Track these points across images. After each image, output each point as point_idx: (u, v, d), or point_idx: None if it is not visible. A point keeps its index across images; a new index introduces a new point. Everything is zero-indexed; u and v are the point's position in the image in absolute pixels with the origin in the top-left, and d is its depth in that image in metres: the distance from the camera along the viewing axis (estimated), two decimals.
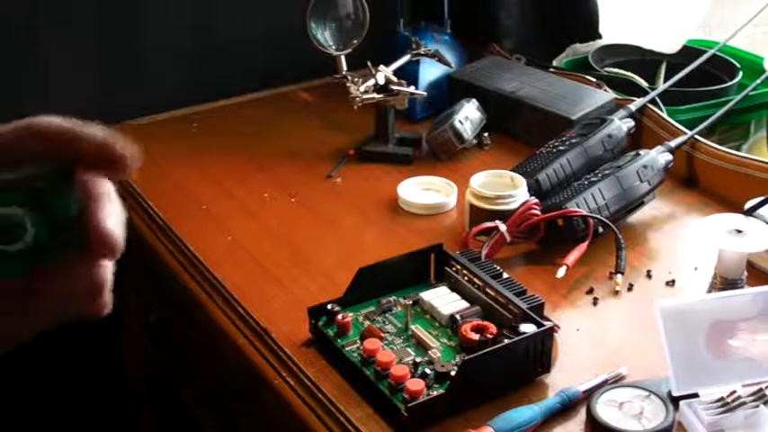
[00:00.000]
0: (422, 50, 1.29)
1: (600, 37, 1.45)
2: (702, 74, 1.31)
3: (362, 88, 1.18)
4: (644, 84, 1.34)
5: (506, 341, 0.79)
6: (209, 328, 0.94)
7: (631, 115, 1.17)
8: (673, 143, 1.10)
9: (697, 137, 1.14)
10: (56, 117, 0.42)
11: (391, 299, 0.89)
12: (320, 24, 1.19)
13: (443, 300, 0.88)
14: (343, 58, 1.19)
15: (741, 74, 1.34)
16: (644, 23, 1.46)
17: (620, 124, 1.13)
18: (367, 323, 0.86)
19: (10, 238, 0.41)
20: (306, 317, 0.86)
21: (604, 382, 0.80)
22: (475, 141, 1.24)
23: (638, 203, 1.05)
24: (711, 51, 1.31)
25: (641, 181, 1.04)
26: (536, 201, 0.99)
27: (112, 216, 0.42)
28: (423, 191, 1.13)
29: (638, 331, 0.88)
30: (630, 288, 0.95)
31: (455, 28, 1.41)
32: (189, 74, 1.37)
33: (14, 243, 0.41)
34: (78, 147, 0.42)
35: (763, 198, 0.96)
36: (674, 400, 0.76)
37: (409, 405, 0.75)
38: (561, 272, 0.94)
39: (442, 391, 0.77)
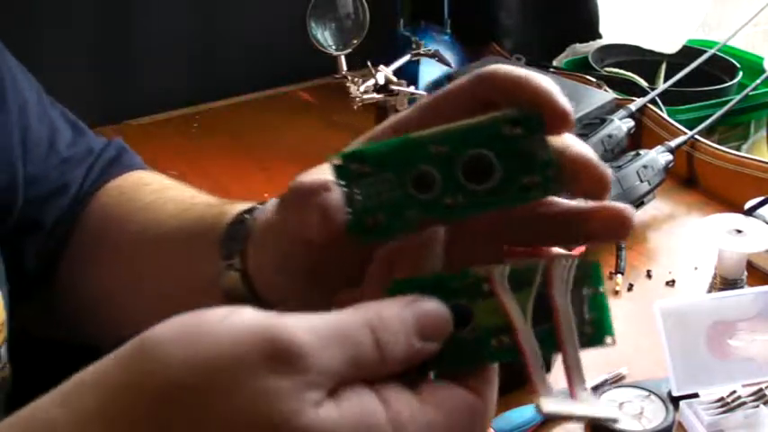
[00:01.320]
0: (422, 50, 1.29)
1: (600, 37, 1.45)
2: (702, 74, 1.31)
3: (362, 88, 1.17)
4: (644, 84, 1.34)
5: None
6: None
7: (631, 115, 1.17)
8: (673, 143, 1.10)
9: (697, 137, 1.14)
10: (505, 65, 0.40)
11: None
12: (320, 24, 1.19)
13: None
14: (343, 58, 1.19)
15: (741, 74, 1.33)
16: (644, 23, 1.46)
17: (620, 124, 1.13)
18: None
19: (477, 180, 0.38)
20: None
21: (604, 382, 0.80)
22: None
23: (638, 203, 1.05)
24: (711, 51, 1.31)
25: (641, 181, 1.03)
26: None
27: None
28: None
29: (638, 331, 0.87)
30: (630, 288, 0.95)
31: (455, 28, 1.41)
32: (189, 74, 1.37)
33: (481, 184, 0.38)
34: (527, 96, 0.38)
35: (763, 198, 0.96)
36: (674, 400, 0.76)
37: None
38: None
39: None
